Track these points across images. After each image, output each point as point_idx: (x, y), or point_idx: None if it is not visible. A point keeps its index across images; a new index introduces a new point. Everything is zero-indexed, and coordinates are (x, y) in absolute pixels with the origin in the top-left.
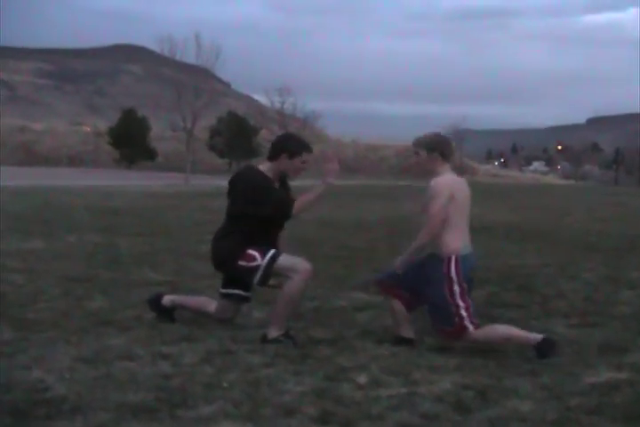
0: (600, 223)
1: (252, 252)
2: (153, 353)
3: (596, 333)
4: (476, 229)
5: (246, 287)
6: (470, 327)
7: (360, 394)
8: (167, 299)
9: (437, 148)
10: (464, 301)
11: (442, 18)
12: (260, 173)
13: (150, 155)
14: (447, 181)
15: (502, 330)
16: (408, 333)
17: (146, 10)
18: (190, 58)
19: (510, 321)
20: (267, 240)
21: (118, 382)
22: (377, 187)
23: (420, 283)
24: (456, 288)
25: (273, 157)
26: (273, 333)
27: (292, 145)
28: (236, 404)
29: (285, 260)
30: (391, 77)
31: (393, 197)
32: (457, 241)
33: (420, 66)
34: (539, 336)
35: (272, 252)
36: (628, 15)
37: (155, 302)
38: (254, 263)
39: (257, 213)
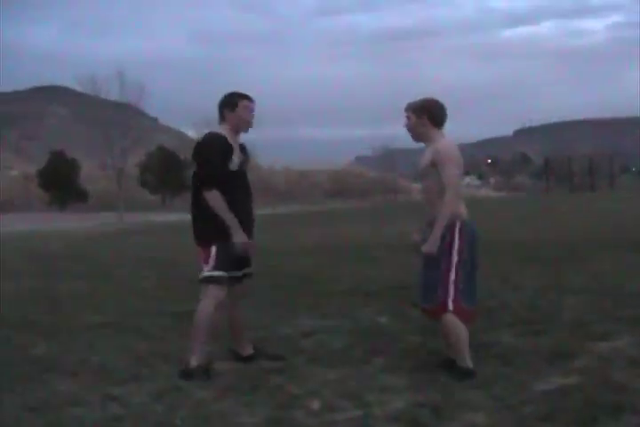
0: (537, 233)
1: (213, 252)
2: (101, 396)
3: (542, 340)
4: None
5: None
6: (450, 306)
7: (315, 420)
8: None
9: (426, 111)
10: (457, 273)
11: (365, 41)
12: (217, 137)
13: (82, 196)
14: (452, 146)
15: (465, 336)
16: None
17: (67, 50)
18: (115, 95)
19: None
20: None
21: None
22: (313, 212)
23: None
24: (455, 257)
25: (220, 118)
26: (192, 362)
27: (228, 98)
28: None
29: (210, 278)
30: (319, 102)
31: (329, 222)
32: (461, 206)
33: (347, 89)
34: (468, 363)
35: (220, 266)
36: (542, 28)
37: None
38: (207, 263)
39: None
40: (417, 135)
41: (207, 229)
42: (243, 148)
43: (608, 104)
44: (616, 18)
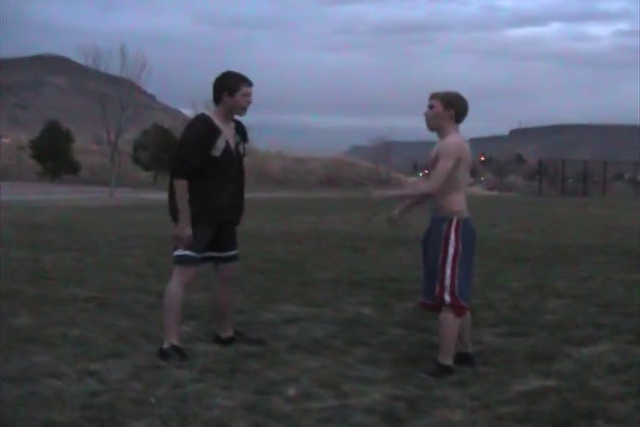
0: (526, 233)
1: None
2: (80, 370)
3: (523, 342)
4: (404, 242)
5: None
6: (447, 300)
7: (290, 407)
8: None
9: (454, 105)
10: (453, 267)
11: (369, 32)
12: (203, 121)
13: (74, 168)
14: (458, 143)
15: (456, 335)
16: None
17: (70, 21)
18: (115, 70)
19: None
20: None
21: (44, 400)
22: (305, 200)
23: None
24: (451, 251)
25: (216, 98)
26: (165, 342)
27: (228, 82)
28: (165, 420)
29: (182, 258)
30: (319, 90)
31: (321, 210)
32: (461, 203)
33: (348, 79)
34: (450, 360)
35: (193, 247)
36: (549, 29)
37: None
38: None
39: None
40: (435, 125)
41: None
42: (240, 127)
43: (607, 110)
44: (622, 25)
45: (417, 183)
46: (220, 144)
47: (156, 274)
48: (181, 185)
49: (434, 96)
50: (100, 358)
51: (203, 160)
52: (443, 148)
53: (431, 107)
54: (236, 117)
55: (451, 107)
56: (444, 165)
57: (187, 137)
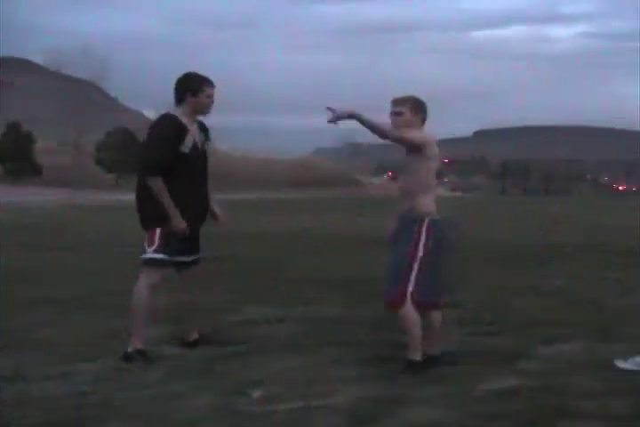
0: (493, 232)
1: (156, 235)
2: (45, 374)
3: (491, 341)
4: (372, 242)
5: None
6: (408, 298)
7: (257, 409)
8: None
9: (423, 111)
10: (420, 265)
11: (334, 33)
12: (169, 119)
13: (36, 170)
14: (430, 137)
15: (419, 330)
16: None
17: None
18: (77, 72)
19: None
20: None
21: (8, 404)
22: (271, 200)
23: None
24: (420, 250)
25: (178, 100)
26: (130, 345)
27: (191, 83)
28: (133, 422)
29: (151, 260)
30: (284, 91)
31: (290, 210)
32: (431, 205)
33: (314, 80)
34: (418, 356)
35: (162, 249)
36: (511, 32)
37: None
38: (150, 245)
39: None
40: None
41: (151, 211)
42: (203, 127)
43: (570, 112)
44: (584, 27)
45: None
46: (187, 142)
47: (119, 277)
48: (157, 182)
49: (400, 102)
50: (66, 361)
51: (172, 157)
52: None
53: (399, 113)
54: (199, 118)
55: (419, 112)
56: (416, 134)
57: (155, 134)
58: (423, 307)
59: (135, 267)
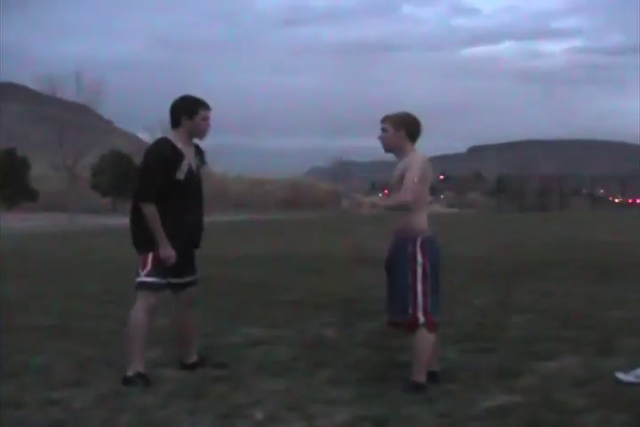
0: (486, 250)
1: (149, 259)
2: (42, 399)
3: (487, 358)
4: (364, 262)
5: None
6: (421, 319)
7: None
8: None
9: (404, 125)
10: (424, 285)
11: (326, 53)
12: (164, 145)
13: (32, 195)
14: (423, 160)
15: (429, 351)
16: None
17: (25, 49)
18: (71, 96)
19: (403, 350)
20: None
21: None
22: (264, 222)
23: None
24: (419, 270)
25: (174, 123)
26: (129, 369)
27: (187, 105)
28: None
29: (144, 284)
30: (275, 112)
31: (280, 232)
32: (424, 222)
33: (305, 100)
34: (424, 378)
35: (155, 272)
36: (502, 47)
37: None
38: (143, 269)
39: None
40: (391, 147)
41: (145, 236)
42: (198, 151)
43: (563, 126)
44: (574, 42)
45: (395, 197)
46: (183, 167)
47: (115, 300)
48: (151, 209)
49: (384, 120)
50: (63, 386)
51: (167, 183)
52: (409, 163)
53: (383, 130)
54: (195, 141)
55: (401, 127)
56: (411, 176)
57: (150, 161)
58: (437, 326)
59: (125, 292)
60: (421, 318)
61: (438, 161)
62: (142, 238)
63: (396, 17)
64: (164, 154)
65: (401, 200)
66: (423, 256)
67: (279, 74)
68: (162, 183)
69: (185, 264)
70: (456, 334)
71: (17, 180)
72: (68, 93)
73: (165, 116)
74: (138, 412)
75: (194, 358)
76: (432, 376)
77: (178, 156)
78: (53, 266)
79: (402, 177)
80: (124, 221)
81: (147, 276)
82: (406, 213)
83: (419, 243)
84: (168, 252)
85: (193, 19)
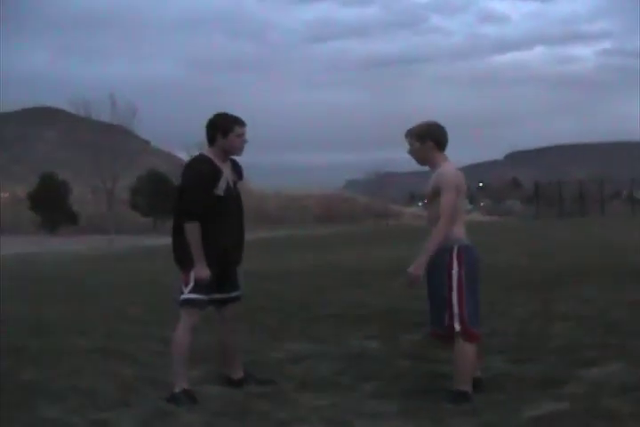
0: (526, 258)
1: (191, 276)
2: (89, 421)
3: (531, 367)
4: (405, 273)
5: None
6: (457, 328)
7: None
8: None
9: (429, 136)
10: (459, 295)
11: (355, 67)
12: (203, 162)
13: (72, 218)
14: (453, 172)
15: (472, 361)
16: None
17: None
18: (106, 118)
19: (447, 361)
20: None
21: None
22: (303, 236)
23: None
24: (455, 279)
25: (210, 140)
26: (175, 387)
27: (221, 123)
28: None
29: (187, 301)
30: (309, 128)
31: (320, 246)
32: (460, 231)
33: (336, 115)
34: (468, 387)
35: (198, 289)
36: (532, 53)
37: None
38: (186, 286)
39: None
40: (421, 160)
41: (187, 253)
42: (235, 165)
43: (598, 129)
44: (605, 45)
45: (431, 236)
46: (222, 183)
47: (158, 321)
48: (193, 227)
49: (408, 134)
50: (108, 407)
51: (208, 200)
52: (441, 180)
53: (410, 144)
54: (233, 157)
55: (427, 139)
56: (449, 198)
57: (190, 177)
58: (477, 336)
59: (166, 313)
60: (457, 327)
61: (476, 169)
62: (184, 256)
63: (424, 28)
64: (202, 170)
65: (440, 234)
66: (459, 265)
67: (310, 90)
68: (203, 201)
69: (228, 280)
70: (499, 343)
71: (58, 203)
72: (104, 115)
73: (201, 134)
74: None
75: (240, 374)
76: (477, 383)
77: (216, 172)
78: (96, 288)
79: (435, 191)
80: (163, 240)
81: (190, 293)
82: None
83: (455, 251)
84: (203, 272)
85: (221, 39)
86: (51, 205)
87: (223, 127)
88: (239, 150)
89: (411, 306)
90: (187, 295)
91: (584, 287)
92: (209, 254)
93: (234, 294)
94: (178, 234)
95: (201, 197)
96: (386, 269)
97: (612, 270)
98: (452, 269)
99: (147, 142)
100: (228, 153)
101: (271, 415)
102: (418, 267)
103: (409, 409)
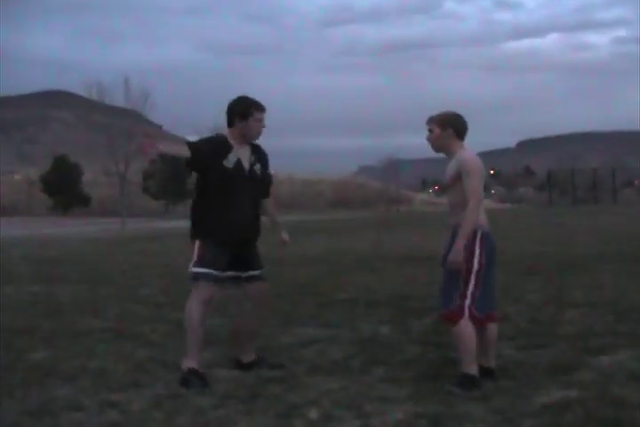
0: (539, 245)
1: (195, 248)
2: (100, 402)
3: (542, 354)
4: (418, 259)
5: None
6: (466, 312)
7: None
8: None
9: (450, 124)
10: (477, 279)
11: (368, 52)
12: (217, 135)
13: (84, 201)
14: (476, 158)
15: (473, 344)
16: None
17: (73, 57)
18: (120, 102)
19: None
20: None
21: None
22: (316, 221)
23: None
24: (475, 263)
25: (229, 123)
26: (185, 364)
27: (241, 106)
28: None
29: (197, 274)
30: (322, 112)
31: (332, 231)
32: (483, 217)
33: (350, 100)
34: (474, 370)
35: (202, 262)
36: (547, 40)
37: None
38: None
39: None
40: (439, 147)
41: (193, 225)
42: (257, 151)
43: (611, 117)
44: (620, 32)
45: (464, 218)
46: (231, 157)
47: (171, 303)
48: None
49: (429, 121)
50: (120, 388)
51: (215, 169)
52: (464, 166)
53: (430, 131)
54: (254, 142)
55: (448, 126)
56: (476, 182)
57: (203, 139)
58: (481, 321)
59: (179, 294)
60: (466, 311)
61: (488, 156)
62: (191, 228)
63: (439, 13)
64: (213, 138)
65: (471, 217)
66: (481, 250)
67: (324, 74)
68: (206, 152)
69: (244, 259)
70: (510, 330)
71: (70, 186)
72: (117, 99)
73: (213, 119)
74: (194, 413)
75: (252, 357)
76: (488, 373)
77: (227, 145)
78: (108, 270)
79: (456, 177)
80: (175, 224)
81: (195, 265)
82: (462, 208)
83: (479, 236)
84: (151, 131)
85: (235, 22)
86: (63, 187)
87: (242, 111)
88: (256, 135)
89: (422, 291)
90: (193, 269)
91: (596, 274)
92: (216, 227)
93: (249, 273)
94: (192, 208)
95: (203, 151)
96: (398, 255)
97: (625, 258)
98: (474, 253)
99: (159, 127)
100: (245, 137)
101: (282, 399)
102: (457, 254)
103: (419, 394)
